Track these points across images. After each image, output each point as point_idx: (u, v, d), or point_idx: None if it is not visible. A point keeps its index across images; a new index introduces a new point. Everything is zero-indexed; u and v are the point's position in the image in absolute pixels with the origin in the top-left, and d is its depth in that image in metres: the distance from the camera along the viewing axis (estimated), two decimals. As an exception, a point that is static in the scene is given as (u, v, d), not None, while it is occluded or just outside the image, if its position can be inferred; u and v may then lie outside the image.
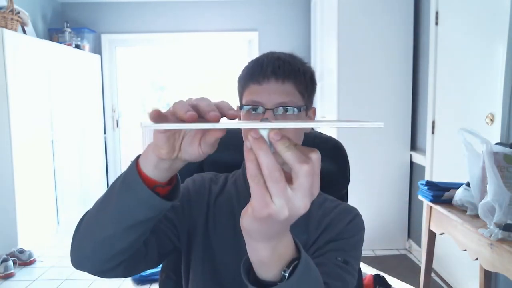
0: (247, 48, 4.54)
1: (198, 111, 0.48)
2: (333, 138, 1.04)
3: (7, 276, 2.62)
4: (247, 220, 0.43)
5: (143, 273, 2.57)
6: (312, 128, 1.03)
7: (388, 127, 2.92)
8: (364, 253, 2.86)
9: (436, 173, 2.58)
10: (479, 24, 2.08)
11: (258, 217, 0.41)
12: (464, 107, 2.23)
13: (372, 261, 2.78)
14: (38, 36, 3.81)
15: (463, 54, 2.25)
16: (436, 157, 2.59)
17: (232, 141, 0.72)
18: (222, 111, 0.49)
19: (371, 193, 2.97)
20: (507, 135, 1.84)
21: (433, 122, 2.61)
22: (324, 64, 3.48)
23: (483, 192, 1.49)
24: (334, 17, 2.95)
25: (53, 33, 4.08)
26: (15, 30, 3.08)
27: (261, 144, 0.40)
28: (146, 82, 5.07)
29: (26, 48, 3.18)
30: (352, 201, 0.98)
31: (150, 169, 0.55)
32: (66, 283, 2.56)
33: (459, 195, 1.62)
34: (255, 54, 4.27)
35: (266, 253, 0.46)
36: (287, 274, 0.48)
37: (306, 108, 0.81)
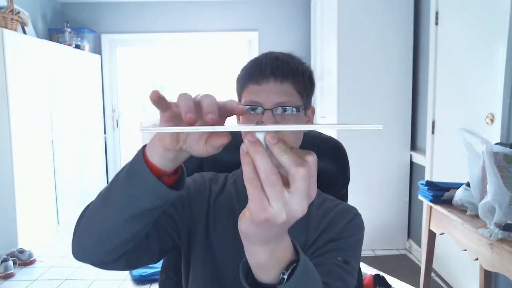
0: (247, 48, 4.54)
1: (200, 110, 0.48)
2: (333, 138, 1.04)
3: (7, 276, 2.62)
4: (245, 223, 0.43)
5: (143, 273, 2.57)
6: (312, 128, 1.03)
7: (388, 127, 2.92)
8: (364, 253, 2.87)
9: (436, 173, 2.58)
10: (479, 24, 2.08)
11: (255, 221, 0.41)
12: (464, 107, 2.23)
13: (372, 261, 2.78)
14: (38, 36, 3.81)
15: (463, 54, 2.25)
16: (436, 157, 2.59)
17: (232, 141, 0.73)
18: (231, 107, 0.49)
19: (371, 193, 2.97)
20: (507, 135, 1.84)
21: (433, 122, 2.61)
22: (324, 64, 3.48)
23: (483, 192, 1.49)
24: (334, 17, 2.95)
25: (53, 33, 4.08)
26: (15, 30, 3.08)
27: (258, 147, 0.40)
28: (146, 82, 5.08)
29: (26, 48, 3.18)
30: (352, 201, 0.98)
31: (156, 158, 0.56)
32: (66, 283, 2.56)
33: (459, 195, 1.62)
34: (255, 54, 4.26)
35: (264, 256, 0.46)
36: (285, 277, 0.48)
37: (305, 108, 0.82)
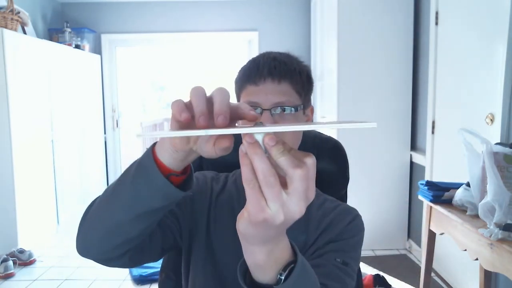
0: (247, 48, 4.54)
1: (210, 107, 0.47)
2: (333, 138, 1.04)
3: (7, 276, 2.62)
4: (243, 224, 0.43)
5: (143, 273, 2.57)
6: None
7: (388, 127, 2.92)
8: (364, 253, 2.87)
9: (436, 173, 2.58)
10: (479, 24, 2.08)
11: (253, 222, 0.41)
12: (464, 107, 2.23)
13: (372, 261, 2.78)
14: (38, 36, 3.81)
15: (463, 54, 2.25)
16: (436, 157, 2.59)
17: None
18: (243, 112, 0.48)
19: (371, 193, 2.97)
20: (507, 135, 1.84)
21: (433, 122, 2.61)
22: (324, 64, 3.48)
23: (483, 192, 1.49)
24: (334, 17, 2.95)
25: (53, 33, 4.09)
26: (15, 30, 3.08)
27: (256, 148, 0.40)
28: (146, 82, 5.08)
29: (26, 48, 3.18)
30: (352, 201, 0.98)
31: (166, 158, 0.55)
32: (66, 283, 2.56)
33: (459, 195, 1.62)
34: (255, 54, 4.23)
35: (262, 257, 0.46)
36: (283, 277, 0.48)
37: (304, 107, 0.82)
